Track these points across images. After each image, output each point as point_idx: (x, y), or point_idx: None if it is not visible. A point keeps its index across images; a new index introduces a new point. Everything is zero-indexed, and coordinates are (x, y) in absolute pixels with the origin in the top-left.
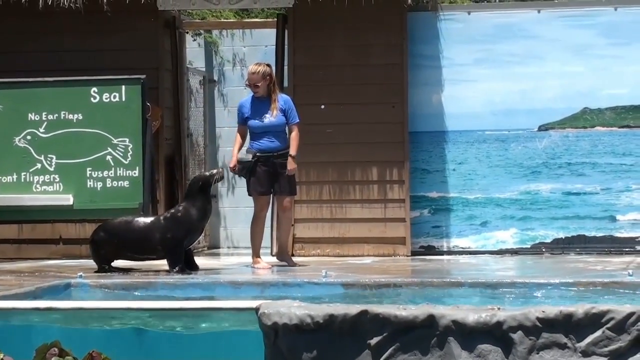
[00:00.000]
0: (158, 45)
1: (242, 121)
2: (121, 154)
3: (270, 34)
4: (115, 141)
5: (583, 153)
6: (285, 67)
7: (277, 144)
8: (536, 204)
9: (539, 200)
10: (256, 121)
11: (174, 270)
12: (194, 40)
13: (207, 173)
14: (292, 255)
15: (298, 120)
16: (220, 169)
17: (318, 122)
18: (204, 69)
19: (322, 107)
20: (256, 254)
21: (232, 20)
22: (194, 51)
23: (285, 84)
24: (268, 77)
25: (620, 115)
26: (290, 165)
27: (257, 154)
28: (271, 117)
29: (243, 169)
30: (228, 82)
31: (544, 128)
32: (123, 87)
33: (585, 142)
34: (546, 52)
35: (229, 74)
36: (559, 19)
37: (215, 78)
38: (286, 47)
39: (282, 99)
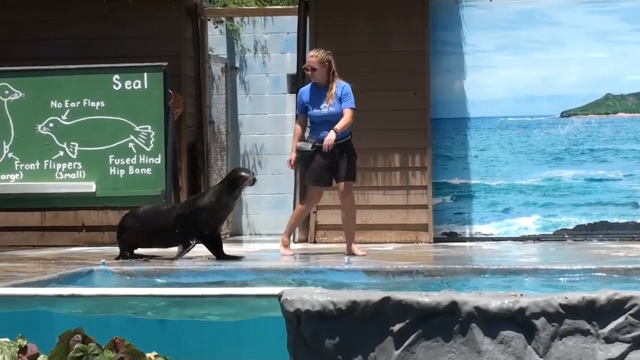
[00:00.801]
0: (180, 33)
1: (302, 110)
2: (143, 142)
3: (292, 21)
4: (137, 129)
5: (605, 139)
6: (307, 54)
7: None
8: (558, 190)
9: (561, 186)
10: (315, 110)
11: (222, 256)
12: (216, 27)
13: (243, 173)
14: (315, 241)
15: (353, 106)
16: (253, 176)
17: None
18: (225, 57)
19: None
20: (287, 235)
21: (253, 7)
22: (215, 38)
23: None
24: (327, 64)
25: None
26: (330, 134)
27: (317, 144)
28: (329, 107)
29: (301, 158)
30: (250, 70)
31: (566, 114)
32: (145, 74)
33: (608, 129)
34: (568, 38)
35: (250, 61)
36: (581, 5)
37: (237, 65)
38: (308, 34)
39: (340, 87)
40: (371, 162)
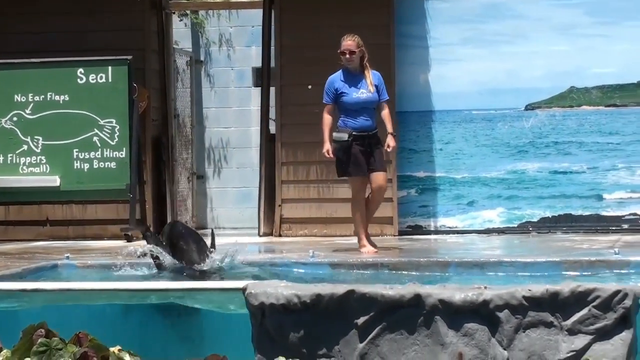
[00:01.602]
0: (144, 26)
1: (333, 98)
2: (108, 135)
3: (257, 14)
4: (102, 122)
5: (570, 132)
6: (272, 48)
7: (372, 123)
8: (523, 183)
9: (525, 179)
10: (352, 97)
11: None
12: (181, 20)
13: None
14: (279, 235)
15: (388, 98)
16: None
17: (305, 102)
18: (190, 50)
19: (309, 87)
20: (361, 238)
21: (218, 0)
22: (180, 32)
23: (272, 64)
24: (362, 49)
25: (607, 94)
26: (392, 141)
27: (354, 133)
28: (368, 93)
29: (340, 148)
30: (215, 63)
31: (530, 107)
32: (110, 68)
33: (572, 121)
34: (533, 31)
35: (215, 55)
36: None
37: (202, 59)
38: (273, 27)
39: (375, 75)
40: None
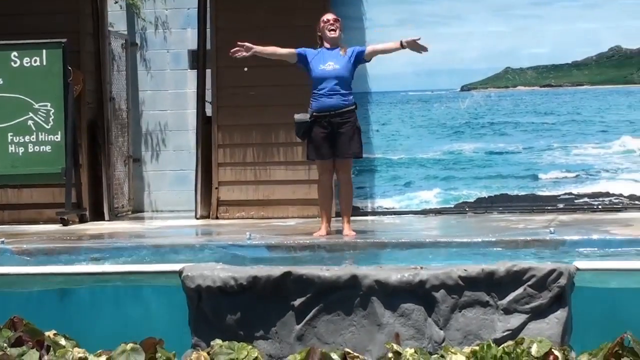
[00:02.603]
0: (79, 9)
1: (300, 57)
2: (43, 119)
3: None
4: (36, 106)
5: (505, 113)
6: (208, 30)
7: (337, 101)
8: (459, 163)
9: (462, 160)
10: (317, 69)
11: None
12: (116, 2)
13: None
14: (217, 217)
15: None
16: None
17: (241, 84)
18: (126, 33)
19: (245, 69)
20: (323, 221)
21: None
22: (115, 14)
23: (208, 46)
24: (340, 26)
25: (542, 74)
26: (414, 42)
27: (314, 113)
28: (335, 66)
29: (300, 130)
30: (150, 46)
31: (466, 88)
32: (44, 51)
33: (508, 102)
34: (468, 12)
35: (151, 38)
36: None
37: (138, 42)
38: (208, 9)
39: (352, 49)
40: (273, 137)
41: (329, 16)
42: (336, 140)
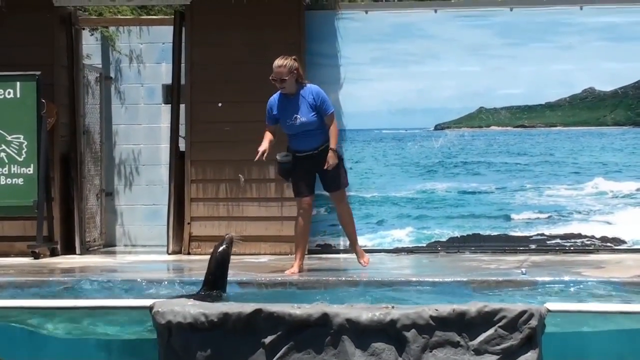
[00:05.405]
0: (54, 42)
1: (272, 121)
2: (15, 151)
3: (167, 31)
4: (9, 138)
5: (478, 152)
6: (182, 65)
7: (315, 142)
8: (432, 202)
9: (434, 199)
10: (288, 123)
11: None
12: (92, 35)
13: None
14: (189, 253)
15: (332, 110)
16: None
17: (215, 120)
18: (100, 66)
19: (219, 104)
20: (297, 258)
21: (129, 17)
22: (91, 47)
23: (182, 81)
24: (295, 72)
25: (515, 115)
26: (332, 159)
27: (296, 154)
28: (302, 118)
29: (284, 170)
30: (125, 79)
31: (440, 127)
32: (18, 83)
33: (481, 142)
34: (443, 51)
35: (125, 71)
36: (456, 19)
37: (112, 75)
38: (183, 44)
39: (311, 94)
40: (246, 173)
41: (275, 67)
42: (323, 175)
